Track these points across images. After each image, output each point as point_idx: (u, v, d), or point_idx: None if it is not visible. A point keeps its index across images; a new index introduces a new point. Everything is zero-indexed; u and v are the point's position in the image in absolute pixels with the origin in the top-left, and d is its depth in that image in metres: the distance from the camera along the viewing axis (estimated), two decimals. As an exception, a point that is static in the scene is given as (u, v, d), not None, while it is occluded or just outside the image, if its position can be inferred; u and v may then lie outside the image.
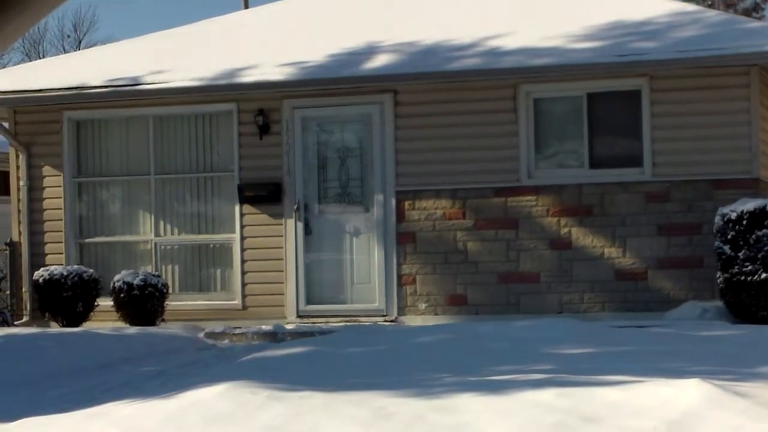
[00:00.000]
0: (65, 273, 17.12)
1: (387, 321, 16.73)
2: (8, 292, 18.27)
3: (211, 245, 18.02)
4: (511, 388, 9.09)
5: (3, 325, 16.91)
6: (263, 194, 17.47)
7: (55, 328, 16.80)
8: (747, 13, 46.12)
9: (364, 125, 17.40)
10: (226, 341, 15.84)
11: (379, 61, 17.29)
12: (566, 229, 16.53)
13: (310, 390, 9.38)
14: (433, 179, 16.95)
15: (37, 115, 18.54)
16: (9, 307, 18.12)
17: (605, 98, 16.67)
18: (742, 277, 14.72)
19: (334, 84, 17.16)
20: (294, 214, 17.36)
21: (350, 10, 19.65)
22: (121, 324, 16.82)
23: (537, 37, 17.12)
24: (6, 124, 18.82)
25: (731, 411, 8.07)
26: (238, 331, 16.15)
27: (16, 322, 17.88)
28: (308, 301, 17.31)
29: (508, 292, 16.62)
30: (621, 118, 16.60)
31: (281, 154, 17.48)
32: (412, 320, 16.55)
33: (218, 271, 17.98)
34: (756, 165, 16.11)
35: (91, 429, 8.66)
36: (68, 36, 58.38)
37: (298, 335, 15.42)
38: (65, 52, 48.02)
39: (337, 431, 8.11)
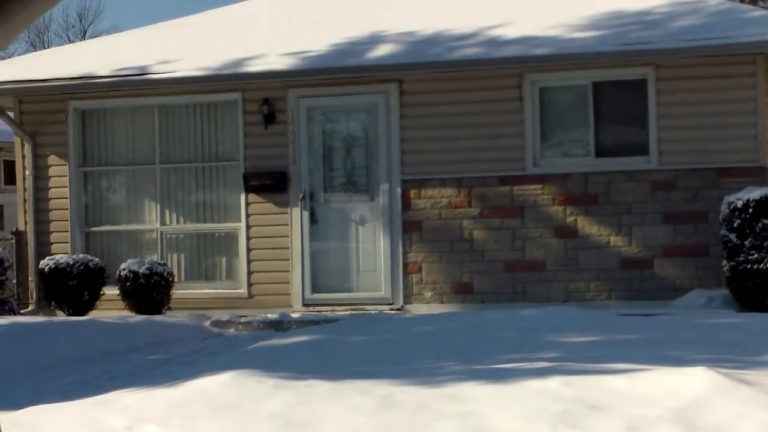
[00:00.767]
0: (71, 262, 17.14)
1: (393, 309, 16.74)
2: (14, 281, 18.29)
3: (217, 234, 18.03)
4: (516, 376, 9.09)
5: (9, 314, 16.93)
6: (269, 183, 17.47)
7: (61, 317, 16.82)
8: (751, 1, 46.04)
9: (369, 114, 17.40)
10: (232, 330, 15.86)
11: (384, 51, 17.29)
12: (572, 218, 16.53)
13: (315, 378, 9.39)
14: (438, 168, 16.95)
15: (42, 105, 18.55)
16: (15, 296, 18.15)
17: (611, 87, 16.66)
18: (748, 266, 14.72)
19: (339, 73, 17.16)
20: (299, 202, 17.36)
21: (354, 0, 19.63)
22: (126, 313, 16.84)
23: (539, 26, 17.12)
24: (11, 114, 18.82)
25: (737, 399, 8.07)
26: (243, 319, 16.17)
27: (22, 311, 17.91)
28: (314, 290, 17.32)
29: (514, 281, 16.62)
30: (627, 107, 16.59)
31: (287, 143, 17.48)
32: (418, 309, 16.56)
33: (224, 260, 18.00)
34: (762, 153, 16.09)
35: (97, 417, 8.67)
36: (73, 26, 58.51)
37: (304, 324, 15.44)
38: (70, 42, 48.00)
39: (342, 420, 8.12)
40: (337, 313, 16.29)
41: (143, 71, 17.87)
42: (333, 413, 8.26)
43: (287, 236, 17.44)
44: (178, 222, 18.21)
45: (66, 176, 18.41)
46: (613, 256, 16.36)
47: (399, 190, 17.07)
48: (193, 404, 8.75)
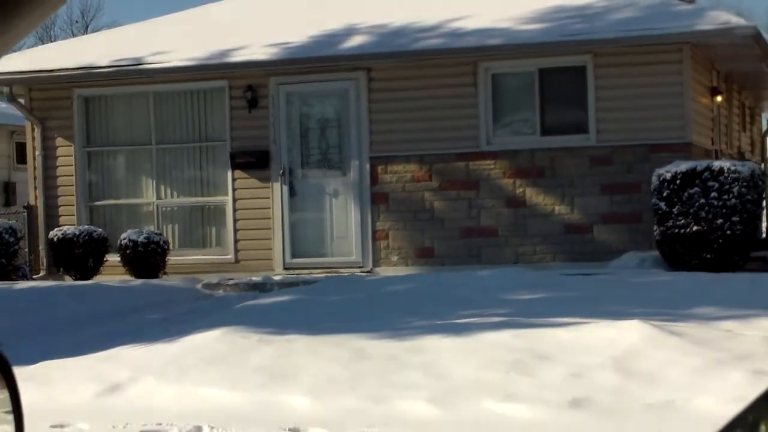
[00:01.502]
0: (77, 232, 17.08)
1: (363, 272, 16.74)
2: (26, 250, 18.22)
3: (207, 206, 17.97)
4: (473, 330, 9.13)
5: (22, 279, 16.88)
6: (252, 161, 17.44)
7: (68, 282, 16.76)
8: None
9: (341, 99, 17.36)
10: (221, 291, 15.83)
11: (354, 42, 17.24)
12: (521, 190, 16.55)
13: (295, 334, 9.41)
14: (403, 146, 16.93)
15: (50, 93, 18.45)
16: (27, 263, 18.08)
17: (554, 73, 16.67)
18: (676, 230, 14.78)
19: (315, 63, 17.13)
20: (280, 178, 17.32)
21: (328, -3, 19.56)
22: (127, 277, 16.78)
23: (492, 18, 17.09)
24: (22, 101, 18.72)
25: (667, 348, 8.14)
26: (231, 282, 16.14)
27: (33, 276, 17.84)
28: (293, 255, 17.30)
29: (470, 246, 16.64)
30: (568, 91, 16.60)
31: (268, 125, 17.43)
32: (386, 271, 16.56)
33: (213, 230, 17.96)
34: (688, 131, 16.15)
35: (103, 370, 8.67)
36: (76, 21, 58.01)
37: (285, 285, 15.42)
38: (74, 36, 47.64)
39: (319, 370, 8.14)
40: (314, 275, 16.27)
41: (140, 62, 17.78)
42: (311, 365, 8.29)
43: (269, 208, 17.41)
44: (172, 196, 18.14)
45: (71, 156, 18.32)
46: (557, 223, 16.40)
47: (368, 166, 17.05)
48: (187, 357, 8.76)
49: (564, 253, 16.26)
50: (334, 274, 16.29)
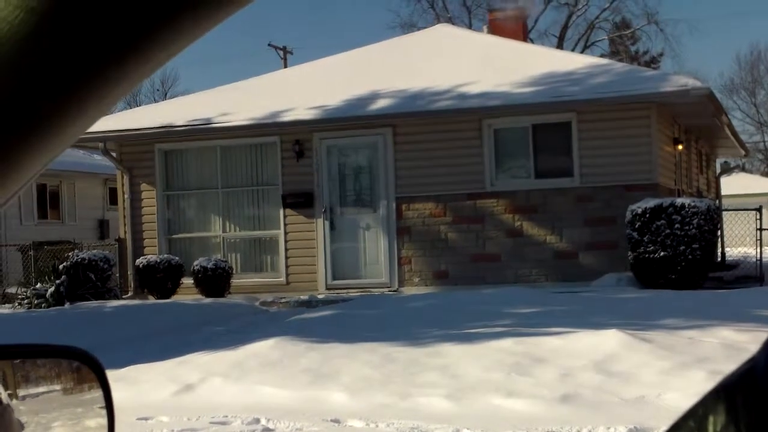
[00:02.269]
0: (158, 260, 17.15)
1: (390, 291, 16.72)
2: (117, 275, 18.30)
3: (263, 238, 18.01)
4: (481, 338, 9.10)
5: (114, 299, 16.93)
6: (300, 201, 17.48)
7: (151, 300, 16.80)
8: (647, 64, 46.06)
9: (372, 150, 17.40)
10: (275, 308, 15.84)
11: (382, 104, 17.30)
12: (519, 223, 16.52)
13: (335, 342, 9.40)
14: (422, 188, 16.94)
15: (136, 147, 18.56)
16: (118, 285, 18.15)
17: (545, 128, 16.65)
18: (647, 255, 14.73)
19: (350, 121, 17.18)
20: (322, 215, 17.35)
21: (360, 68, 19.63)
22: (199, 296, 16.81)
23: (493, 84, 17.11)
24: (114, 154, 18.84)
25: (640, 352, 8.09)
26: (283, 300, 16.15)
27: (123, 296, 17.89)
28: (334, 277, 17.30)
29: (477, 269, 16.60)
30: (557, 142, 16.58)
31: (312, 172, 17.48)
32: (409, 290, 16.53)
33: (268, 257, 17.98)
34: (655, 174, 16.10)
35: (179, 372, 8.68)
36: (157, 89, 58.48)
37: (327, 302, 15.42)
38: (155, 101, 48.02)
39: (356, 371, 8.13)
40: (351, 294, 16.26)
41: (208, 122, 17.88)
42: (349, 367, 8.28)
43: (314, 239, 17.43)
44: (235, 230, 18.20)
45: (153, 198, 18.41)
46: (549, 250, 16.35)
47: (394, 205, 17.07)
48: (248, 362, 8.76)
49: (555, 275, 16.20)
50: (366, 293, 16.27)
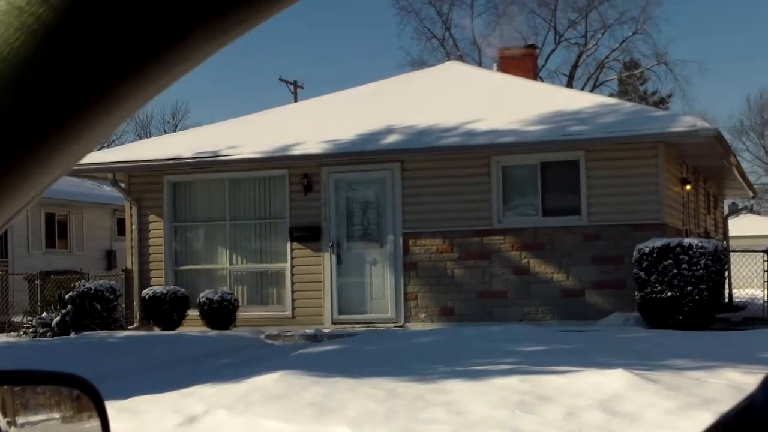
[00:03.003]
0: (164, 291, 17.15)
1: (396, 326, 16.67)
2: (123, 305, 18.29)
3: (269, 271, 18.00)
4: (486, 375, 9.05)
5: (120, 329, 16.91)
6: (307, 235, 17.48)
7: (157, 332, 16.78)
8: (656, 104, 46.18)
9: (379, 185, 17.42)
10: (280, 341, 15.79)
11: (390, 139, 17.34)
12: (526, 260, 16.49)
13: (340, 376, 9.35)
14: (430, 224, 16.94)
15: (144, 178, 18.61)
16: (123, 316, 18.13)
17: (553, 166, 16.67)
18: (654, 295, 14.67)
19: (358, 156, 17.21)
20: (329, 249, 17.35)
21: (369, 103, 19.71)
22: (204, 329, 16.78)
23: (503, 121, 17.14)
24: (123, 185, 18.89)
25: (646, 392, 8.03)
26: (288, 333, 16.10)
27: (128, 327, 17.86)
28: (340, 312, 17.27)
29: (484, 306, 16.56)
30: (565, 180, 16.58)
31: (320, 206, 17.50)
32: (415, 326, 16.49)
33: (274, 290, 17.96)
34: (663, 213, 16.08)
35: (184, 404, 8.64)
36: (168, 121, 58.70)
37: (332, 337, 15.37)
38: (166, 133, 48.22)
39: (360, 406, 8.08)
40: (356, 329, 16.23)
41: (217, 155, 17.93)
42: (353, 401, 8.23)
43: (320, 273, 17.42)
44: (241, 263, 18.20)
45: (161, 230, 18.43)
46: (556, 288, 16.30)
47: (401, 240, 17.06)
48: (252, 395, 8.72)
49: (561, 313, 16.14)
50: (372, 328, 16.23)
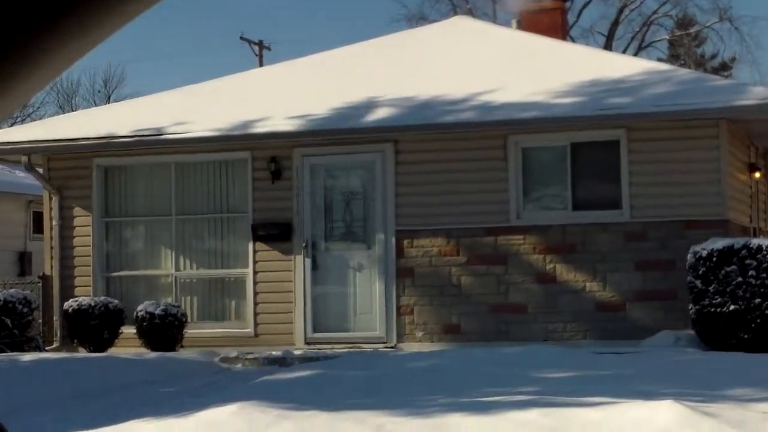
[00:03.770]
0: (93, 303, 17.13)
1: (387, 347, 16.69)
2: (40, 321, 18.25)
3: (227, 279, 18.00)
4: (499, 408, 9.05)
5: (35, 350, 16.88)
6: (274, 233, 17.48)
7: (82, 353, 16.75)
8: (716, 71, 46.29)
9: (367, 171, 17.42)
10: (240, 365, 15.80)
11: (381, 114, 17.34)
12: (551, 265, 16.51)
13: (315, 410, 9.34)
14: (430, 220, 16.95)
15: (68, 162, 18.57)
16: (41, 334, 18.10)
17: (587, 147, 16.69)
18: (712, 309, 14.69)
19: (341, 134, 17.21)
20: (302, 250, 17.35)
21: (354, 69, 19.71)
22: (143, 350, 16.78)
23: (523, 92, 17.16)
24: (41, 170, 18.85)
25: (701, 430, 8.04)
26: (250, 356, 16.11)
27: (47, 348, 17.84)
28: (315, 329, 17.28)
29: (498, 322, 16.57)
30: (601, 165, 16.61)
31: (291, 197, 17.49)
32: (410, 347, 16.49)
33: (233, 302, 17.96)
34: (725, 208, 16.11)
35: (114, 443, 8.61)
36: (99, 91, 58.55)
37: (305, 360, 15.38)
38: (96, 105, 48.16)
39: (339, 445, 8.06)
40: (336, 350, 16.23)
41: (161, 132, 17.91)
42: (330, 440, 8.22)
43: (291, 281, 17.42)
44: (191, 268, 18.19)
45: (89, 226, 18.41)
46: (589, 300, 16.32)
47: (393, 240, 17.07)
48: (202, 432, 8.70)
49: (595, 331, 16.16)
50: (356, 350, 16.24)
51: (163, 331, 16.80)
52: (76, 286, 18.33)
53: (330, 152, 17.50)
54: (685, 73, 18.86)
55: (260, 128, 17.49)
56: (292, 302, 17.38)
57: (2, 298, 16.80)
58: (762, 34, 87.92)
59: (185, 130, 17.82)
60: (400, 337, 16.91)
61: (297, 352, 16.32)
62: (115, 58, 71.61)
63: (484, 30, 21.85)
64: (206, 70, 77.15)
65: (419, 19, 43.94)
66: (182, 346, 17.11)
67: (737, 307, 14.59)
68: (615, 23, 46.81)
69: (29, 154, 18.54)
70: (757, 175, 18.66)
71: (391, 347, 16.73)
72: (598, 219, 16.41)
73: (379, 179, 17.27)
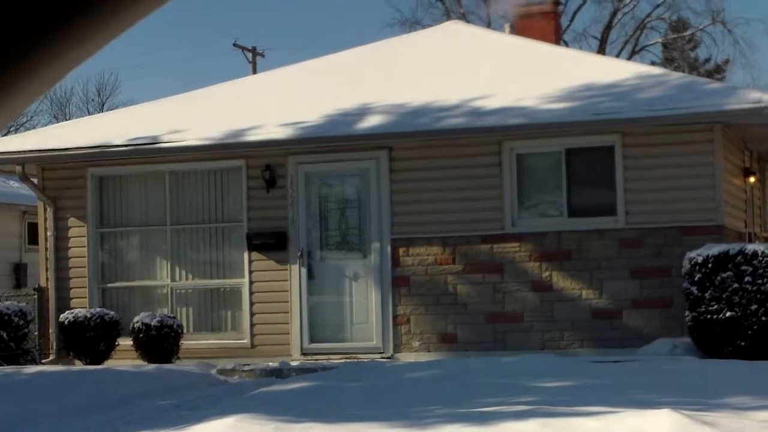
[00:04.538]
0: (89, 315, 17.10)
1: (383, 358, 16.68)
2: (36, 333, 18.23)
3: (222, 289, 17.99)
4: (497, 418, 9.06)
5: (31, 363, 16.87)
6: (270, 242, 17.48)
7: (78, 366, 16.75)
8: (709, 74, 46.33)
9: (361, 179, 17.43)
10: (236, 377, 15.80)
11: (375, 121, 17.34)
12: (547, 273, 16.52)
13: (312, 422, 9.35)
14: (425, 228, 16.95)
15: (63, 172, 18.56)
16: (36, 347, 18.08)
17: (581, 153, 16.70)
18: (709, 316, 14.70)
19: (335, 142, 17.21)
20: (298, 260, 17.35)
21: (348, 75, 19.71)
22: (139, 362, 16.77)
23: (516, 97, 17.16)
24: (35, 180, 18.84)
25: (699, 439, 8.04)
26: (247, 367, 16.10)
27: (43, 361, 17.83)
28: (311, 340, 17.27)
29: (494, 331, 16.58)
30: (596, 171, 16.62)
31: (286, 205, 17.49)
32: (407, 357, 16.50)
33: (229, 313, 17.95)
34: (720, 213, 16.12)
35: (112, 459, 8.62)
36: (92, 100, 58.49)
37: (302, 371, 15.39)
38: (89, 114, 48.12)
39: (337, 459, 8.07)
40: (333, 361, 16.23)
41: (155, 140, 17.90)
42: (328, 454, 8.22)
43: (287, 291, 17.41)
44: (186, 278, 18.18)
45: (84, 237, 18.40)
46: (585, 308, 16.33)
47: (389, 249, 17.07)
48: (199, 446, 8.71)
49: (592, 340, 16.17)
50: (353, 360, 16.24)
51: (160, 343, 16.78)
52: (72, 298, 18.31)
53: (324, 160, 17.51)
54: (678, 77, 18.87)
55: (254, 136, 17.49)
56: (288, 312, 17.37)
57: (-3, 311, 16.78)
58: (755, 36, 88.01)
59: (179, 139, 17.82)
60: (397, 347, 16.91)
61: (294, 363, 16.31)
62: (108, 64, 71.53)
63: (477, 35, 21.88)
64: (200, 78, 77.11)
65: (413, 24, 43.97)
66: (179, 358, 17.10)
67: (733, 313, 14.60)
68: (608, 27, 46.84)
69: (23, 164, 18.52)
70: (752, 179, 18.69)
71: (388, 357, 16.72)
72: (593, 225, 16.42)
73: (374, 187, 17.28)
